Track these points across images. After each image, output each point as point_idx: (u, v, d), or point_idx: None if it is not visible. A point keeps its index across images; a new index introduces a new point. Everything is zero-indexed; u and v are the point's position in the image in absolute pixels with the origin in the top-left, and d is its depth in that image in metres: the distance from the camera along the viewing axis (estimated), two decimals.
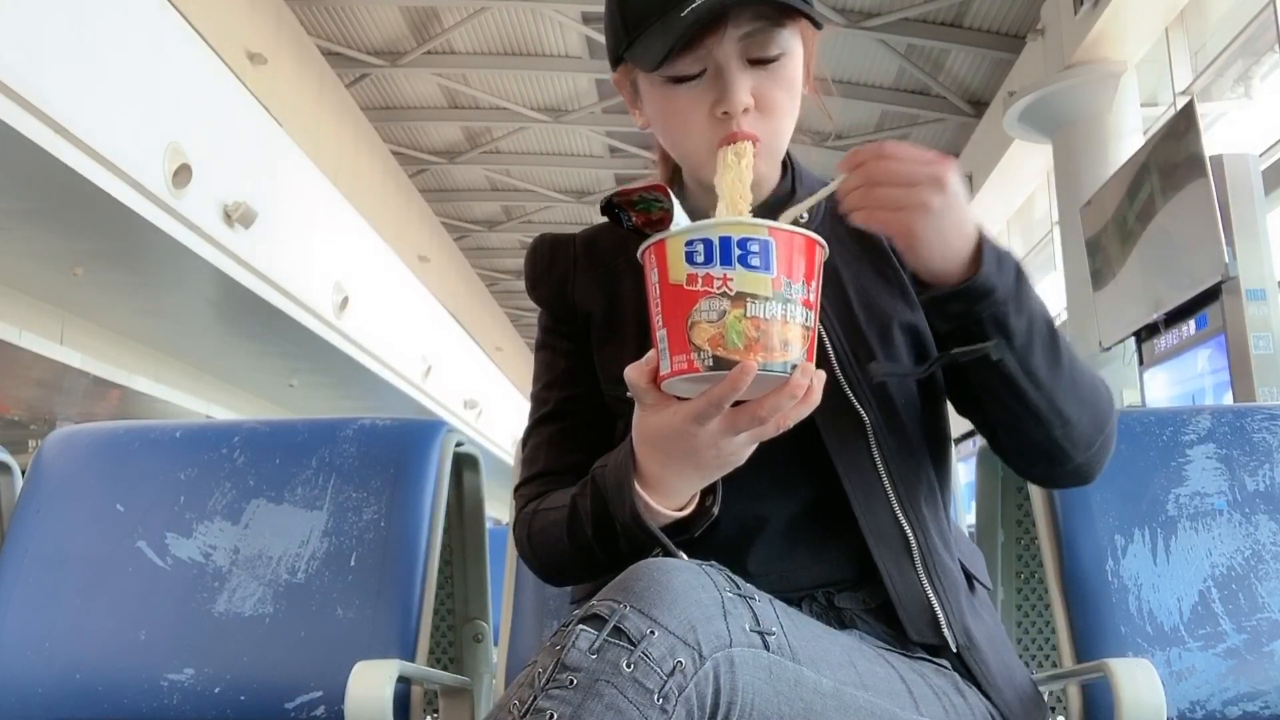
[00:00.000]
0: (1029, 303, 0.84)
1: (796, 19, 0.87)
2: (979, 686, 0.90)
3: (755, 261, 0.71)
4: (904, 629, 0.90)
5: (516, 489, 1.03)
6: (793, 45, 0.89)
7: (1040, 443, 0.89)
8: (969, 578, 0.98)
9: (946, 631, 0.89)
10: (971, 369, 0.85)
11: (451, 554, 1.55)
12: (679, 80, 0.87)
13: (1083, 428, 0.89)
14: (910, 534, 0.91)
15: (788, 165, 1.00)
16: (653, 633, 0.67)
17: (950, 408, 1.00)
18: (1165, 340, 5.49)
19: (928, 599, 0.90)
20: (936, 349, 0.88)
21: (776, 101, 0.88)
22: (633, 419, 0.81)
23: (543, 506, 0.95)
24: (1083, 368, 0.90)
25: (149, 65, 5.88)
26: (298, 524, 1.38)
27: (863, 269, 0.97)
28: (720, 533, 0.87)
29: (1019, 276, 0.84)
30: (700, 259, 0.71)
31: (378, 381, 10.44)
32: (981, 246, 0.82)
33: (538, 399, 1.04)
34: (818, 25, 0.88)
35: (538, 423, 1.03)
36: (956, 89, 10.17)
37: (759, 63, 0.87)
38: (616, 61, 0.94)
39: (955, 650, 0.90)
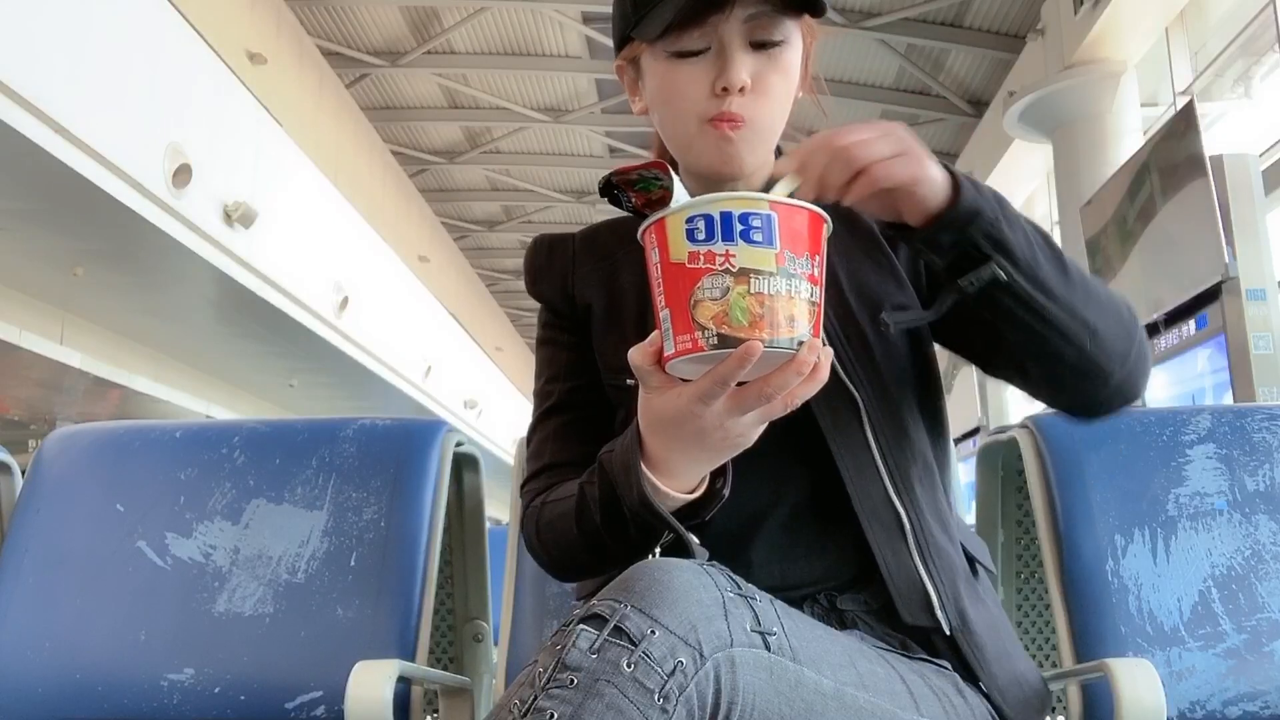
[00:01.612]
0: (1018, 219, 0.84)
1: (799, 13, 0.90)
2: (971, 670, 0.90)
3: (758, 236, 0.70)
4: (899, 614, 0.90)
5: (523, 485, 1.02)
6: (794, 35, 0.91)
7: (1075, 362, 0.87)
8: (970, 561, 0.97)
9: (940, 613, 0.89)
10: (986, 302, 0.84)
11: (451, 554, 1.55)
12: (683, 55, 0.90)
13: (1111, 336, 0.87)
14: (904, 514, 0.91)
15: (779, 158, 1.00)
16: (653, 632, 0.67)
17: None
18: (1165, 340, 5.48)
19: (920, 580, 0.90)
20: (942, 291, 0.86)
21: (773, 86, 0.90)
22: (638, 402, 0.80)
23: (550, 499, 0.95)
24: (1093, 277, 0.89)
25: (149, 65, 5.88)
26: (298, 524, 1.38)
27: (853, 254, 0.98)
28: (721, 526, 0.87)
29: (998, 197, 0.84)
30: (701, 235, 0.70)
31: (378, 381, 10.44)
32: (955, 177, 0.82)
33: (541, 394, 1.03)
34: (819, 12, 0.89)
35: (542, 416, 1.02)
36: (956, 89, 10.17)
37: (761, 47, 0.89)
38: (622, 44, 0.96)
39: (949, 633, 0.90)
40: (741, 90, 0.88)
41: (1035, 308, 0.84)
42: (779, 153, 1.00)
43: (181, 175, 6.08)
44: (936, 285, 0.95)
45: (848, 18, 9.09)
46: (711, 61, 0.89)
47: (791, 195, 0.77)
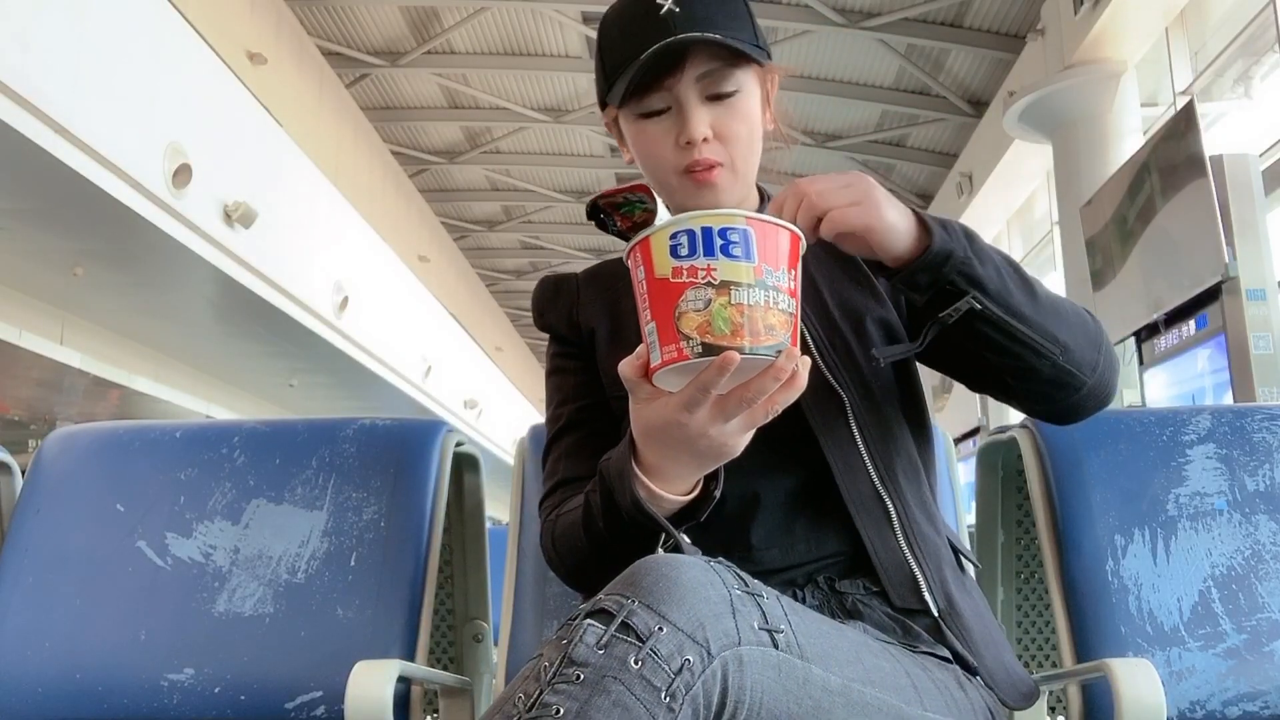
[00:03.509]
0: (987, 252, 0.90)
1: (749, 62, 0.98)
2: (960, 654, 0.93)
3: (737, 251, 0.74)
4: (890, 599, 0.94)
5: (540, 503, 1.06)
6: (748, 83, 0.99)
7: (1050, 375, 0.93)
8: (956, 555, 1.03)
9: (928, 596, 0.94)
10: (965, 328, 0.90)
11: (451, 554, 1.55)
12: (648, 116, 0.99)
13: (1081, 348, 0.94)
14: (889, 503, 0.96)
15: (762, 195, 1.09)
16: (661, 629, 0.67)
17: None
18: (1165, 340, 5.48)
19: (908, 564, 0.95)
20: (920, 321, 0.93)
21: (735, 132, 0.98)
22: (629, 413, 0.83)
23: (563, 511, 0.99)
24: (1059, 297, 0.96)
25: (149, 65, 5.88)
26: (298, 524, 1.38)
27: (835, 274, 1.05)
28: (723, 510, 0.90)
29: (968, 234, 0.90)
30: (684, 251, 0.74)
31: (378, 381, 10.43)
32: (923, 221, 0.88)
33: (552, 419, 1.09)
34: (762, 60, 0.98)
35: (554, 438, 1.08)
36: (956, 89, 10.16)
37: (717, 99, 0.97)
38: (604, 106, 1.05)
39: (937, 615, 0.94)
40: (705, 140, 0.96)
41: (1009, 331, 0.90)
42: (762, 193, 1.09)
43: (181, 175, 6.08)
44: (916, 314, 1.02)
45: (848, 18, 9.09)
46: (673, 119, 0.98)
47: None
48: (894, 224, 0.86)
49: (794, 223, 0.84)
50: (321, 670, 1.27)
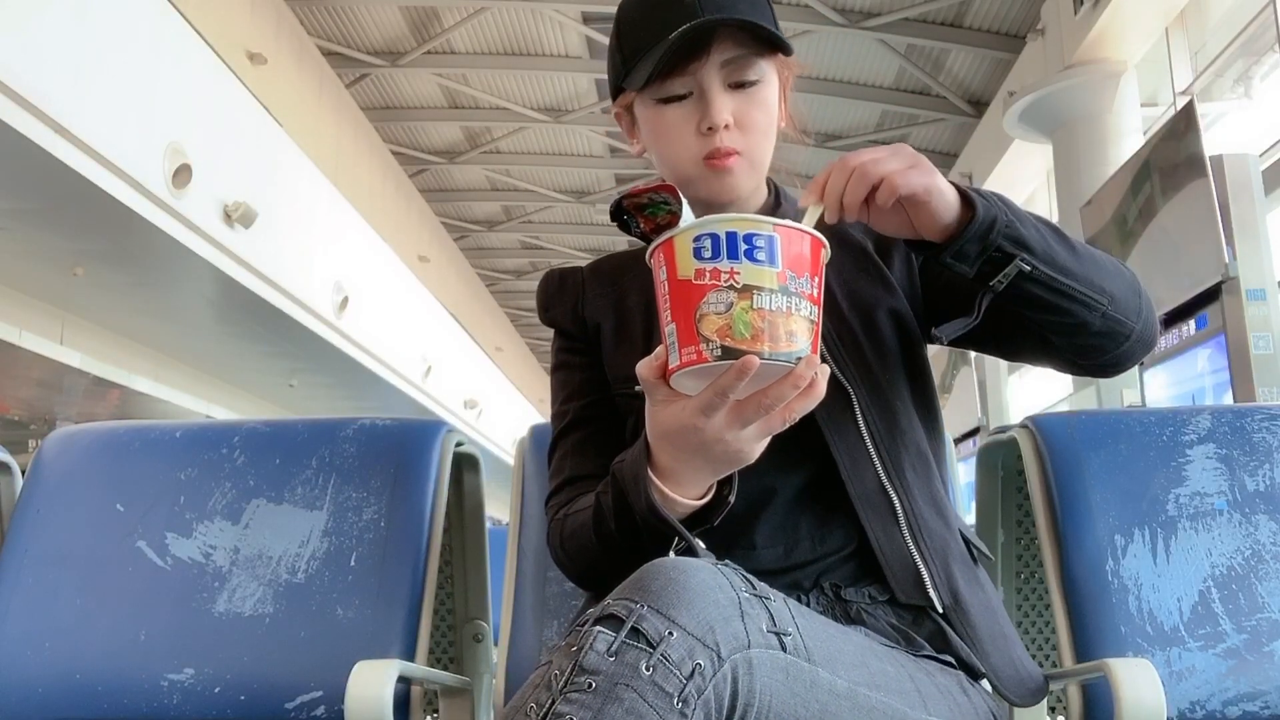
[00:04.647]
0: (1022, 213, 0.90)
1: (773, 53, 0.98)
2: (966, 650, 0.92)
3: (761, 256, 0.73)
4: (895, 593, 0.94)
5: (547, 501, 1.05)
6: (769, 74, 0.99)
7: (1100, 327, 0.92)
8: (970, 548, 1.02)
9: (932, 591, 0.93)
10: (1014, 292, 0.89)
11: (451, 554, 1.55)
12: (669, 100, 0.98)
13: (1124, 297, 0.94)
14: (895, 499, 0.96)
15: (773, 189, 1.08)
16: (671, 634, 0.67)
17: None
18: (1165, 340, 5.48)
19: (912, 559, 0.94)
20: (977, 295, 0.91)
21: (755, 120, 0.98)
22: (645, 415, 0.82)
23: (571, 511, 0.98)
24: (1092, 248, 0.95)
25: (149, 65, 5.88)
26: (298, 524, 1.38)
27: (844, 266, 1.04)
28: (731, 507, 0.89)
29: (1001, 199, 0.89)
30: (708, 254, 0.73)
31: (378, 381, 10.44)
32: (963, 192, 0.87)
33: (558, 415, 1.08)
34: (787, 52, 0.99)
35: (560, 435, 1.07)
36: (956, 89, 10.17)
37: (739, 87, 0.97)
38: (616, 93, 1.05)
39: (941, 610, 0.93)
40: (726, 127, 0.96)
41: (1058, 288, 0.89)
42: (772, 186, 1.08)
43: (181, 175, 6.08)
44: (948, 290, 1.02)
45: (848, 18, 9.09)
46: (695, 104, 0.97)
47: (819, 219, 0.82)
48: (944, 188, 0.85)
49: (842, 197, 0.84)
50: (321, 670, 1.27)
